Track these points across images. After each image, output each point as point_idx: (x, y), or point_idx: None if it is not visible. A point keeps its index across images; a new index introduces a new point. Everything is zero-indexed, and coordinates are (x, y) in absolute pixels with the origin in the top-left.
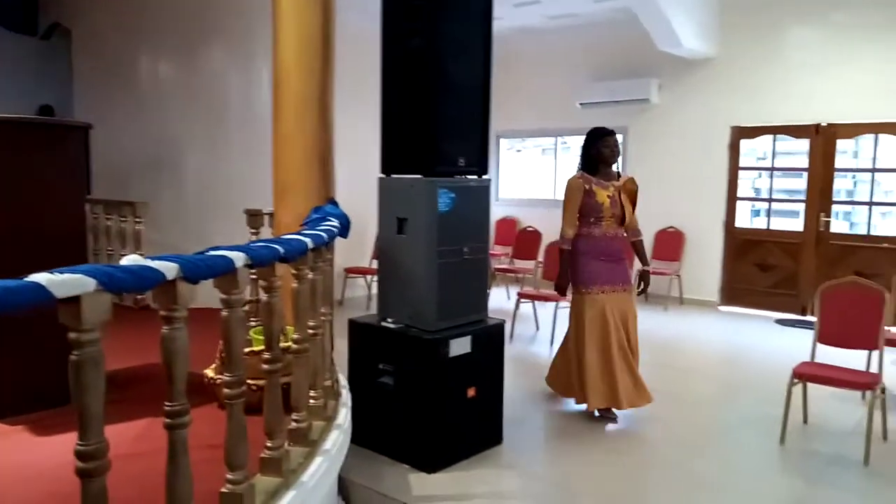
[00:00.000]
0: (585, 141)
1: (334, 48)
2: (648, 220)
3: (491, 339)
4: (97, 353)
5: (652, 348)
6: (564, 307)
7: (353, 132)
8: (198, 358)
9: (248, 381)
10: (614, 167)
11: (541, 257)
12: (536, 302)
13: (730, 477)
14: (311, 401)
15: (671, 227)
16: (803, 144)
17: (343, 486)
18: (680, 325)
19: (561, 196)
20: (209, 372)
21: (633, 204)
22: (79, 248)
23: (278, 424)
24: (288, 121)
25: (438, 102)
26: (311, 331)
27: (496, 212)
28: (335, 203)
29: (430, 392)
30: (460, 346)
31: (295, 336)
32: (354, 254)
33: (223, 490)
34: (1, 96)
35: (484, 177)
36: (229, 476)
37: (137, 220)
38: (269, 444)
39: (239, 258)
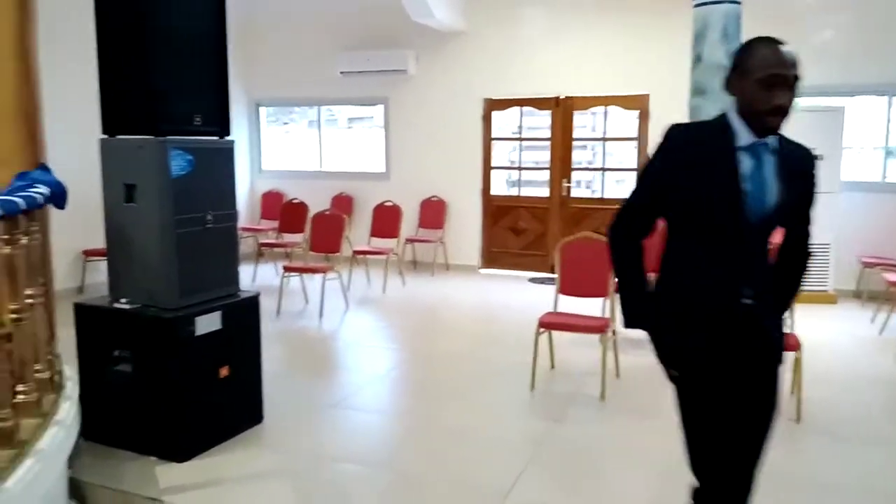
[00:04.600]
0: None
1: None
2: (413, 190)
3: (244, 314)
4: None
5: (415, 313)
6: (332, 279)
7: (71, 84)
8: None
9: None
10: None
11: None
12: (304, 275)
13: (480, 424)
14: (19, 397)
15: (434, 196)
16: (548, 118)
17: (78, 490)
18: (443, 289)
19: (327, 168)
20: None
21: None
22: None
23: None
24: None
25: (158, 55)
26: (12, 315)
27: (261, 185)
28: (46, 168)
29: (174, 376)
30: (208, 323)
31: None
32: (94, 233)
33: None
34: None
35: (226, 138)
36: None
37: None
38: None
39: None
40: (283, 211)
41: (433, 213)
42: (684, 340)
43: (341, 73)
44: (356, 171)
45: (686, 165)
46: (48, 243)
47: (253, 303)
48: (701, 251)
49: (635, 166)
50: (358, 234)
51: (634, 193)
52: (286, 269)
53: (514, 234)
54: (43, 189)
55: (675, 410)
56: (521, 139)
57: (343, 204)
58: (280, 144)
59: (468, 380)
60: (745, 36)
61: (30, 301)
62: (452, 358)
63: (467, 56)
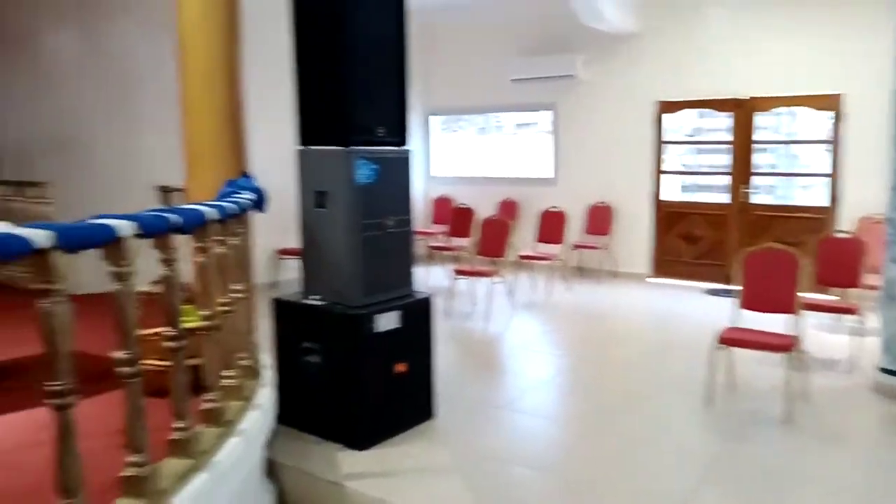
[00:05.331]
0: None
1: (240, 11)
2: (580, 195)
3: (419, 314)
4: None
5: (580, 319)
6: (499, 282)
7: (271, 101)
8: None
9: (156, 362)
10: None
11: (476, 234)
12: (472, 278)
13: (652, 434)
14: (226, 380)
15: (601, 201)
16: (728, 119)
17: (273, 469)
18: (610, 296)
19: (494, 174)
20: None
21: None
22: None
23: (184, 405)
24: (194, 87)
25: (348, 70)
26: (222, 308)
27: (433, 190)
28: (249, 176)
29: (356, 369)
30: (387, 322)
31: (203, 313)
32: (287, 234)
33: (124, 474)
34: None
35: (404, 147)
36: (130, 459)
37: (43, 200)
38: (176, 426)
39: (124, 227)
40: (451, 215)
41: (600, 218)
42: None
43: (511, 80)
44: (522, 176)
45: None
46: (251, 244)
47: (427, 303)
48: None
49: (830, 171)
50: (523, 239)
51: None
52: (456, 272)
53: (686, 241)
54: (249, 195)
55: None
56: (696, 142)
57: (509, 209)
58: (449, 151)
59: (638, 389)
60: None
61: (237, 295)
62: (621, 366)
63: (638, 58)
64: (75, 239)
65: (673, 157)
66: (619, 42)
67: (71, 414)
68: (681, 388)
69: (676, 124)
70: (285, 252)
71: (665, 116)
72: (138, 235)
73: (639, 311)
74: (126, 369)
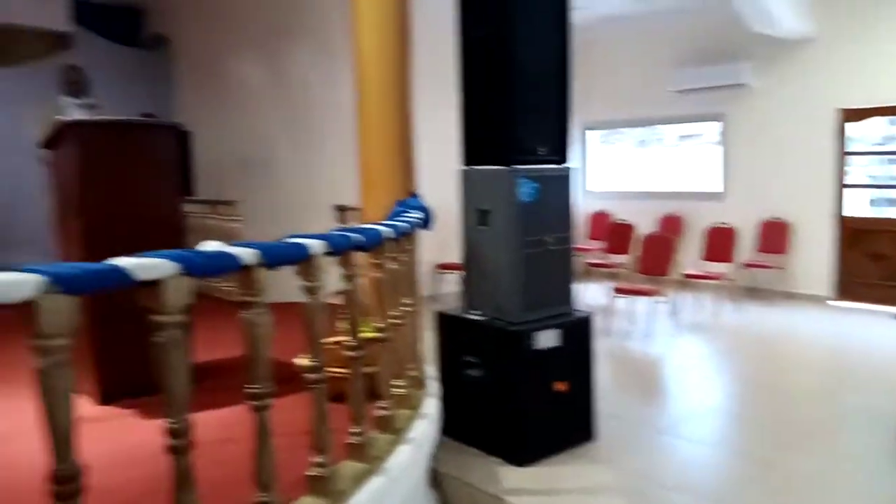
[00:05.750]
0: None
1: (411, 38)
2: (751, 211)
3: (580, 333)
4: (180, 336)
5: (751, 343)
6: (661, 302)
7: (435, 123)
8: (291, 348)
9: (336, 370)
10: None
11: (636, 251)
12: (632, 297)
13: (836, 472)
14: (396, 390)
15: (775, 217)
16: None
17: (436, 479)
18: (786, 319)
19: (655, 188)
20: (300, 361)
21: None
22: (177, 244)
23: (362, 411)
24: (369, 114)
25: (514, 91)
26: (393, 320)
27: (589, 206)
28: (417, 196)
29: (516, 385)
30: (547, 339)
31: (378, 325)
32: (445, 249)
33: (309, 473)
34: (107, 105)
35: (564, 165)
36: (314, 459)
37: (234, 217)
38: (353, 430)
39: (315, 245)
40: (609, 231)
41: (774, 235)
42: None
43: (673, 91)
44: (686, 190)
45: None
46: (418, 260)
47: (588, 322)
48: None
49: None
50: (688, 256)
51: None
52: (616, 290)
53: (874, 261)
54: (418, 214)
55: None
56: (886, 153)
57: (672, 225)
58: (606, 165)
59: (818, 422)
60: None
61: (407, 309)
62: (798, 396)
63: (815, 64)
64: (275, 256)
65: (858, 170)
66: (793, 48)
67: (267, 415)
68: (868, 423)
69: (862, 133)
70: (444, 266)
71: (849, 125)
72: (326, 253)
73: (818, 336)
74: (313, 376)
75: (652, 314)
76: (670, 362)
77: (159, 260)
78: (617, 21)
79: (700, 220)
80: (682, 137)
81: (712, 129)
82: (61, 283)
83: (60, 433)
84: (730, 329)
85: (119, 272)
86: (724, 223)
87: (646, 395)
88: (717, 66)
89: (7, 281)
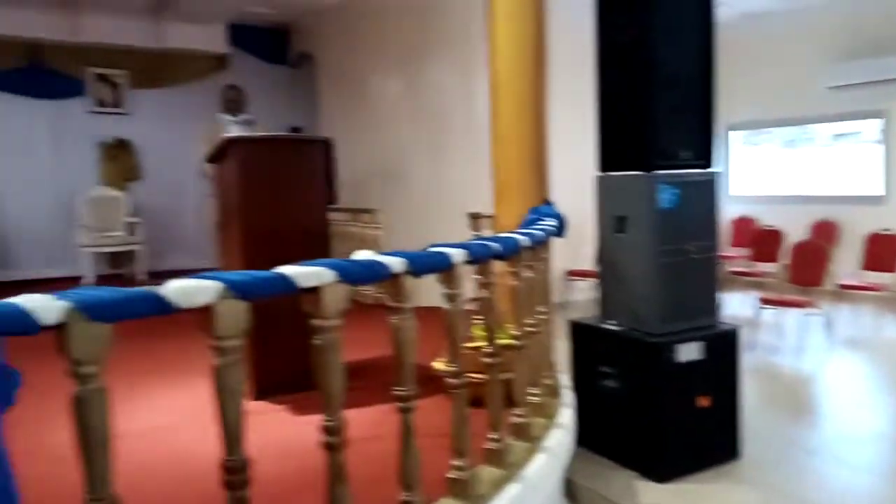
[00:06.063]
0: None
1: (548, 48)
2: None
3: (724, 346)
4: (336, 339)
5: None
6: (814, 314)
7: (568, 130)
8: (427, 352)
9: (472, 375)
10: None
11: (784, 259)
12: (781, 308)
13: None
14: (532, 397)
15: None
16: None
17: (570, 489)
18: None
19: (805, 191)
20: (437, 364)
21: None
22: (324, 249)
23: (500, 417)
24: (504, 124)
25: (655, 95)
26: (529, 328)
27: (730, 210)
28: (550, 204)
29: (655, 398)
30: (689, 352)
31: (514, 332)
32: (576, 256)
33: (450, 476)
34: (259, 119)
35: (709, 170)
36: (454, 462)
37: (375, 225)
38: (491, 436)
39: (457, 254)
40: (755, 238)
41: None
42: None
43: (827, 87)
44: (842, 194)
45: None
46: (551, 267)
47: (734, 336)
48: None
49: None
50: (845, 265)
51: None
52: (763, 301)
53: None
54: (552, 221)
55: None
56: None
57: (825, 231)
58: (750, 167)
59: None
60: None
61: (541, 317)
62: None
63: None
64: (421, 265)
65: None
66: None
67: (412, 417)
68: None
69: None
70: (575, 273)
71: None
72: (467, 262)
73: None
74: (454, 380)
75: (803, 327)
76: (823, 380)
77: (320, 268)
78: (763, 17)
79: (857, 226)
80: (837, 136)
81: (871, 126)
82: (236, 289)
83: (231, 427)
84: (892, 345)
85: (285, 280)
86: (886, 229)
87: (795, 414)
88: (878, 60)
89: (191, 287)
